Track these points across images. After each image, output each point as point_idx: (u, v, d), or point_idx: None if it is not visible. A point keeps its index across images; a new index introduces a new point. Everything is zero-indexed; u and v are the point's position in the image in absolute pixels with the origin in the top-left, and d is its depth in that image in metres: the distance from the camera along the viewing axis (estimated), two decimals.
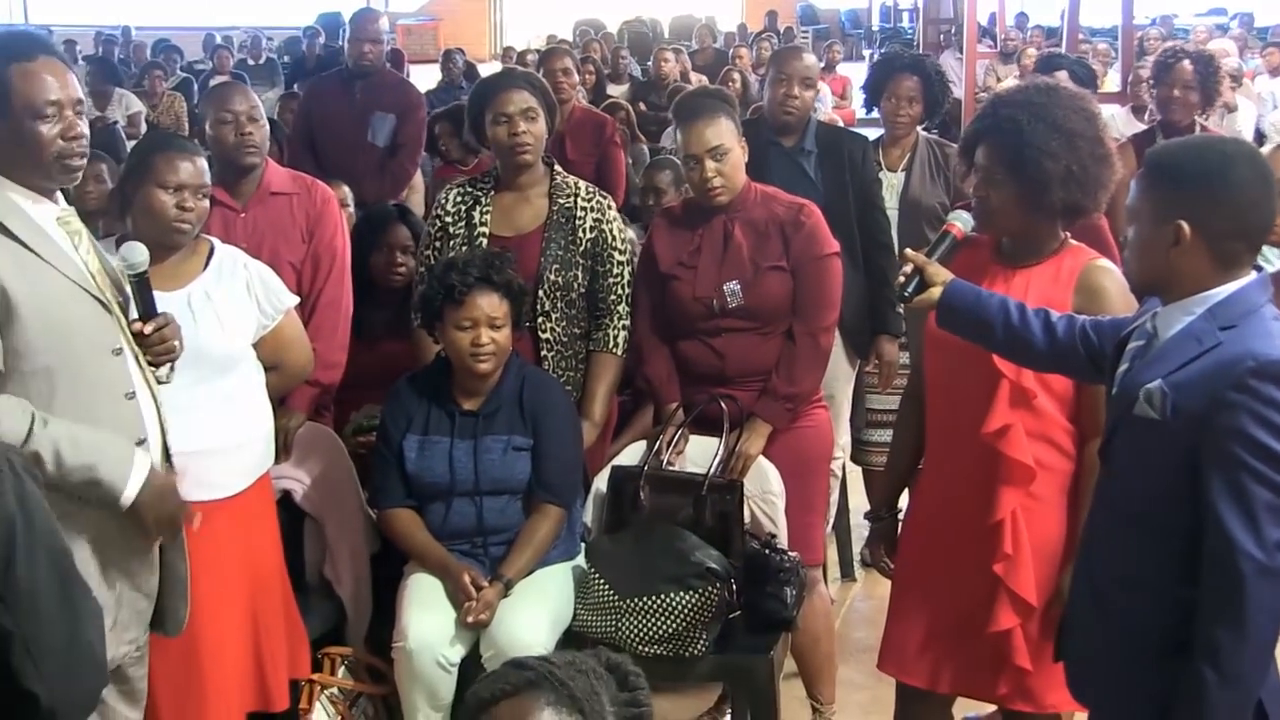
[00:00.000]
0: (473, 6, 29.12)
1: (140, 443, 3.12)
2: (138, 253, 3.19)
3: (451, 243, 4.37)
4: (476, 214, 4.38)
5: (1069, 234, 3.37)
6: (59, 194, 3.21)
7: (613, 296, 4.37)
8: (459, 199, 4.44)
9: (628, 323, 4.37)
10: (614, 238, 4.38)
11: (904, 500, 3.74)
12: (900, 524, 3.67)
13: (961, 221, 3.28)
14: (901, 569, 3.56)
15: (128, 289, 3.21)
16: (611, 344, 4.37)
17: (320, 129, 6.90)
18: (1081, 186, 3.24)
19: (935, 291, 3.12)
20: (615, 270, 4.37)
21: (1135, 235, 2.73)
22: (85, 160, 3.18)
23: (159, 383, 3.28)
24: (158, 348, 3.21)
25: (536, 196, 4.40)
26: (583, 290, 4.36)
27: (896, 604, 3.53)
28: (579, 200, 4.38)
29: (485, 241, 4.33)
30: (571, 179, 4.48)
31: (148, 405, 3.19)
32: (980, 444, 3.26)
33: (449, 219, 4.42)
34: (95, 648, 2.37)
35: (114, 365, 3.11)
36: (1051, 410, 3.28)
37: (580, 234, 4.34)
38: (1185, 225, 2.62)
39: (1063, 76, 5.48)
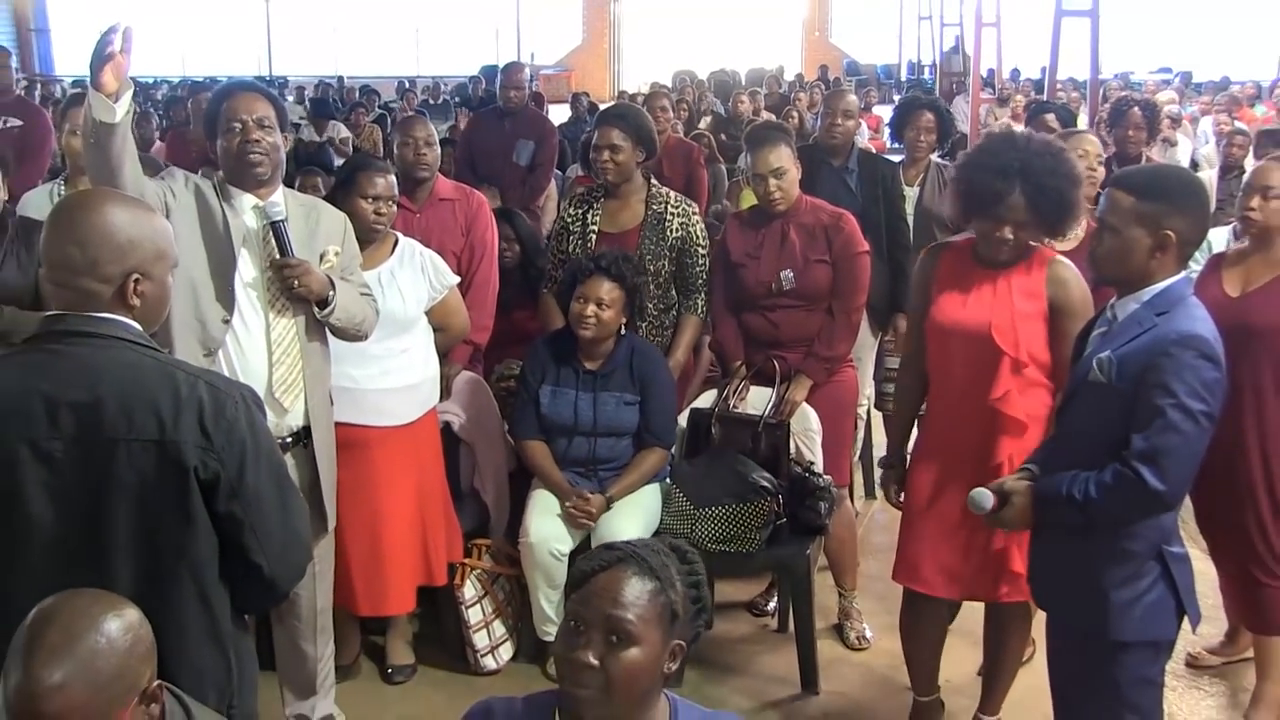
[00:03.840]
0: (596, 60, 29.08)
1: None
2: (274, 206, 3.18)
3: (570, 237, 4.36)
4: (589, 215, 4.35)
5: None
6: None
7: (699, 280, 4.34)
8: (578, 204, 4.42)
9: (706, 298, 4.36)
10: (697, 237, 4.34)
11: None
12: (906, 467, 3.55)
13: (983, 500, 2.80)
14: (912, 502, 3.43)
15: (269, 236, 3.18)
16: (698, 310, 4.35)
17: (479, 151, 6.91)
18: (1075, 218, 3.23)
19: (1021, 500, 2.78)
20: (700, 260, 4.33)
21: (1118, 241, 2.63)
22: (266, 160, 3.16)
23: (325, 319, 3.22)
24: (285, 281, 3.14)
25: (636, 202, 4.36)
26: (669, 276, 4.32)
27: (908, 530, 3.43)
28: (669, 207, 4.34)
29: (595, 237, 4.31)
30: (665, 190, 4.43)
31: (256, 359, 3.14)
32: (982, 404, 3.20)
33: (569, 219, 4.40)
34: (302, 533, 2.39)
35: (217, 328, 3.10)
36: (1036, 375, 3.22)
37: (668, 233, 4.30)
38: (1173, 235, 2.58)
39: (1051, 118, 5.40)
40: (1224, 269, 3.69)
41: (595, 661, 1.76)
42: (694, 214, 4.40)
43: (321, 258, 3.25)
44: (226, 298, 3.12)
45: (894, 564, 3.48)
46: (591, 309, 3.92)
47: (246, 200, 3.19)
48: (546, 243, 4.65)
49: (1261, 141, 7.62)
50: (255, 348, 3.15)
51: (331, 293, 3.19)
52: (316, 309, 3.21)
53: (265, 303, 3.17)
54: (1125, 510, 2.59)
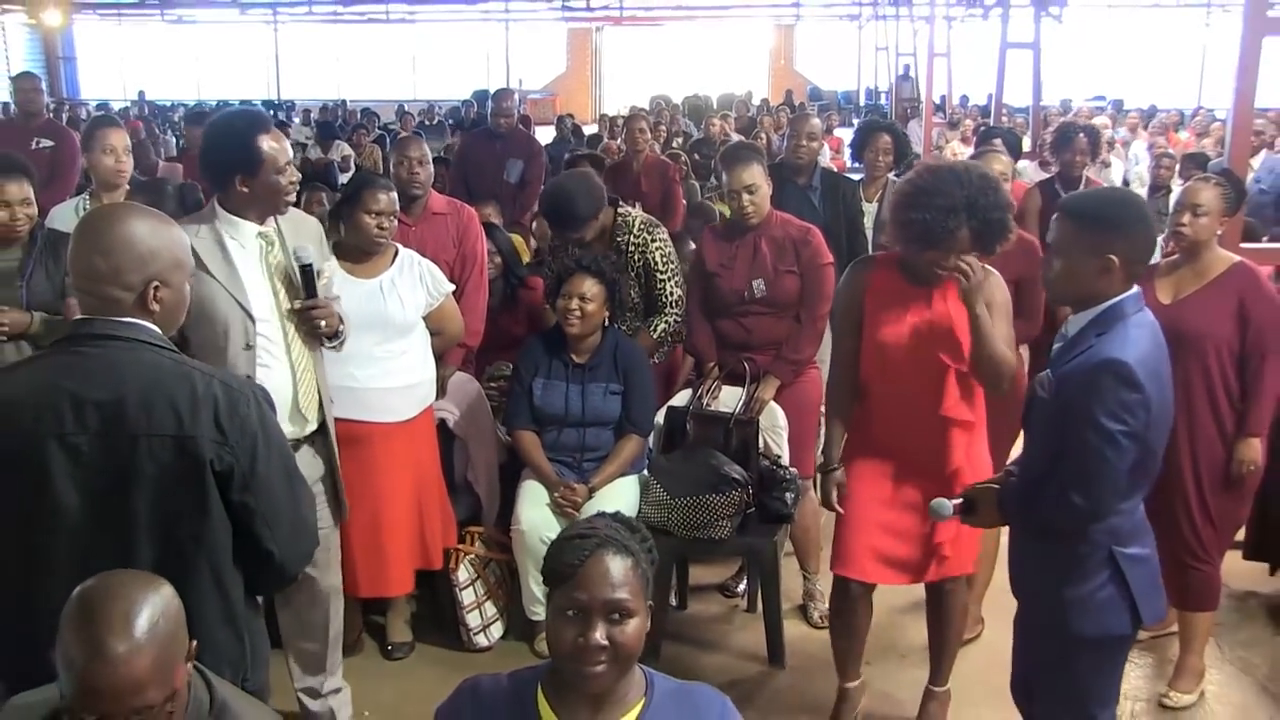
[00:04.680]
0: (579, 85, 29.05)
1: None
2: (304, 250, 3.12)
3: (551, 261, 4.34)
4: (570, 245, 4.28)
5: None
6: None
7: (660, 302, 4.34)
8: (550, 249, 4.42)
9: (670, 320, 4.35)
10: (658, 261, 4.31)
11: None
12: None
13: (943, 509, 2.82)
14: (852, 499, 3.38)
15: (297, 279, 3.11)
16: (653, 329, 4.34)
17: (472, 169, 6.90)
18: (1009, 241, 3.17)
19: (986, 506, 2.80)
20: (659, 284, 4.32)
21: (1065, 265, 2.58)
22: (295, 196, 3.17)
23: (332, 349, 3.21)
24: (308, 323, 3.10)
25: (604, 235, 4.33)
26: (636, 299, 4.33)
27: (847, 525, 3.38)
28: (630, 237, 4.32)
29: None
30: (632, 216, 4.39)
31: (281, 376, 3.06)
32: (925, 410, 3.20)
33: (557, 242, 4.39)
34: (309, 521, 2.38)
35: (242, 356, 3.00)
36: (966, 380, 3.24)
37: (632, 260, 4.30)
38: (1115, 259, 2.53)
39: (998, 142, 5.42)
40: (1156, 279, 3.72)
41: (605, 641, 1.80)
42: (654, 241, 4.34)
43: (319, 275, 3.21)
44: (248, 327, 3.04)
45: (833, 557, 3.45)
46: (576, 304, 3.93)
47: (248, 229, 3.09)
48: (542, 259, 4.61)
49: (1186, 164, 7.72)
50: (279, 370, 3.08)
51: (342, 327, 3.20)
52: (325, 340, 3.19)
53: (282, 328, 3.11)
54: (1059, 524, 2.59)
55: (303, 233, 3.23)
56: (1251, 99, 4.98)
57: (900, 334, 3.24)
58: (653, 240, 4.35)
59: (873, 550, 3.36)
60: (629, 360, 4.04)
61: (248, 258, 3.08)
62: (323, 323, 3.12)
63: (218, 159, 3.05)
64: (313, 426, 3.17)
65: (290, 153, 3.12)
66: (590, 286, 3.94)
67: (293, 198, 3.16)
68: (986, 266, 3.20)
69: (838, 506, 3.42)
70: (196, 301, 2.85)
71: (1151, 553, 2.66)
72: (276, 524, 2.24)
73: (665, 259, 4.35)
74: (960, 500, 2.83)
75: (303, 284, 3.10)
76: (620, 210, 4.41)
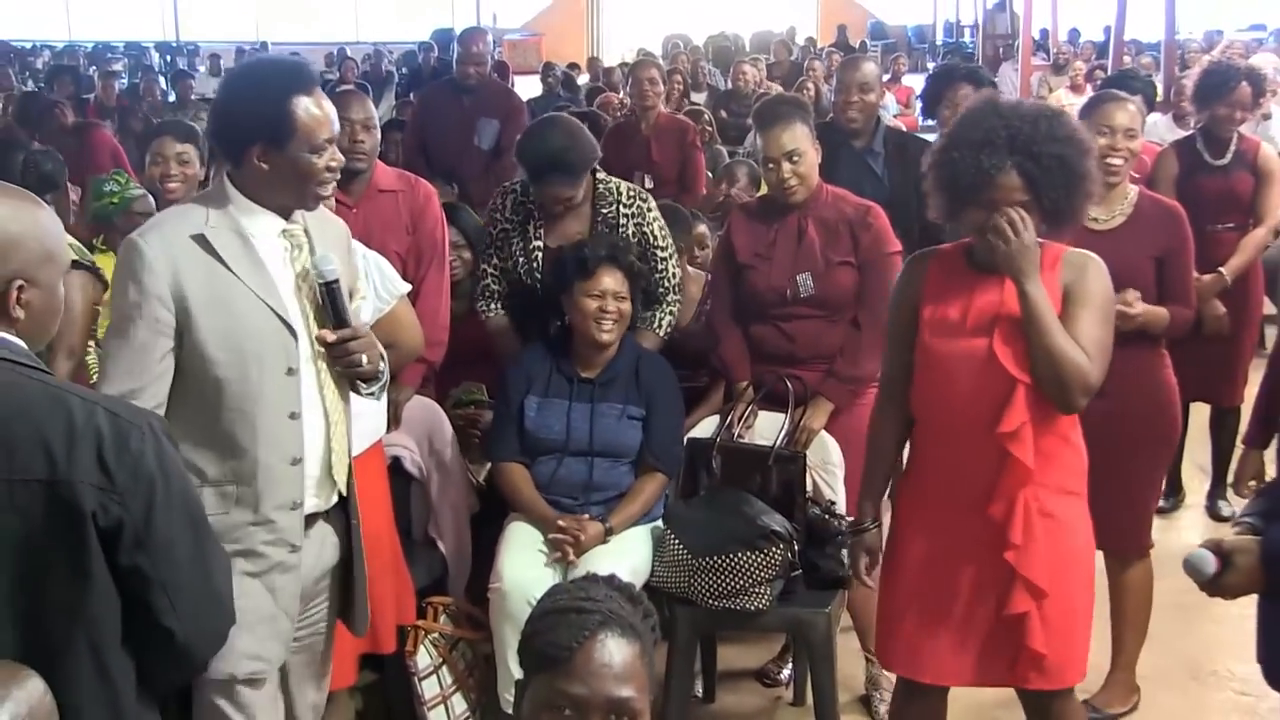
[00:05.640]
0: (572, 22, 29.12)
1: (295, 462, 2.91)
2: (328, 261, 3.02)
3: (512, 248, 4.35)
4: (530, 227, 4.35)
5: None
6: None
7: (661, 288, 4.38)
8: (515, 207, 4.39)
9: (673, 310, 4.40)
10: (656, 236, 4.38)
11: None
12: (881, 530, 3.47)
13: (1204, 564, 2.68)
14: (898, 571, 3.34)
15: (322, 300, 2.99)
16: (656, 324, 4.39)
17: (431, 134, 6.93)
18: (1088, 194, 3.15)
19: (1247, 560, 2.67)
20: (660, 265, 4.37)
21: None
22: (334, 186, 3.04)
23: (369, 396, 3.13)
24: (343, 359, 2.98)
25: (582, 207, 4.38)
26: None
27: (895, 607, 3.34)
28: (620, 208, 4.37)
29: (540, 255, 4.34)
30: (614, 183, 4.44)
31: (314, 424, 2.96)
32: (987, 444, 3.13)
33: (508, 224, 4.40)
34: (223, 592, 2.39)
35: (285, 385, 2.89)
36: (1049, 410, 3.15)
37: (625, 237, 4.33)
38: None
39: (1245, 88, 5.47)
40: None
41: None
42: (650, 209, 4.42)
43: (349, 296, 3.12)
44: (288, 345, 2.92)
45: (880, 648, 3.44)
46: (613, 304, 3.97)
47: (268, 222, 2.95)
48: (482, 250, 4.55)
49: None
50: (313, 416, 2.97)
51: (383, 366, 3.11)
52: (361, 383, 3.08)
53: (315, 361, 2.99)
54: None
55: (326, 237, 3.11)
56: None
57: (954, 335, 3.19)
58: (649, 209, 4.41)
59: (935, 640, 3.28)
60: (654, 377, 4.08)
61: (272, 258, 2.95)
62: (364, 358, 3.01)
63: (234, 121, 2.95)
64: (334, 498, 3.10)
65: (336, 126, 2.96)
66: (621, 281, 4.01)
67: (330, 189, 3.01)
68: (1084, 251, 3.20)
69: (866, 580, 3.42)
70: (220, 310, 2.81)
71: None
72: (179, 594, 2.24)
73: (664, 232, 4.43)
74: (1222, 555, 2.67)
75: (330, 307, 2.97)
76: (599, 176, 4.45)
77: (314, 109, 2.89)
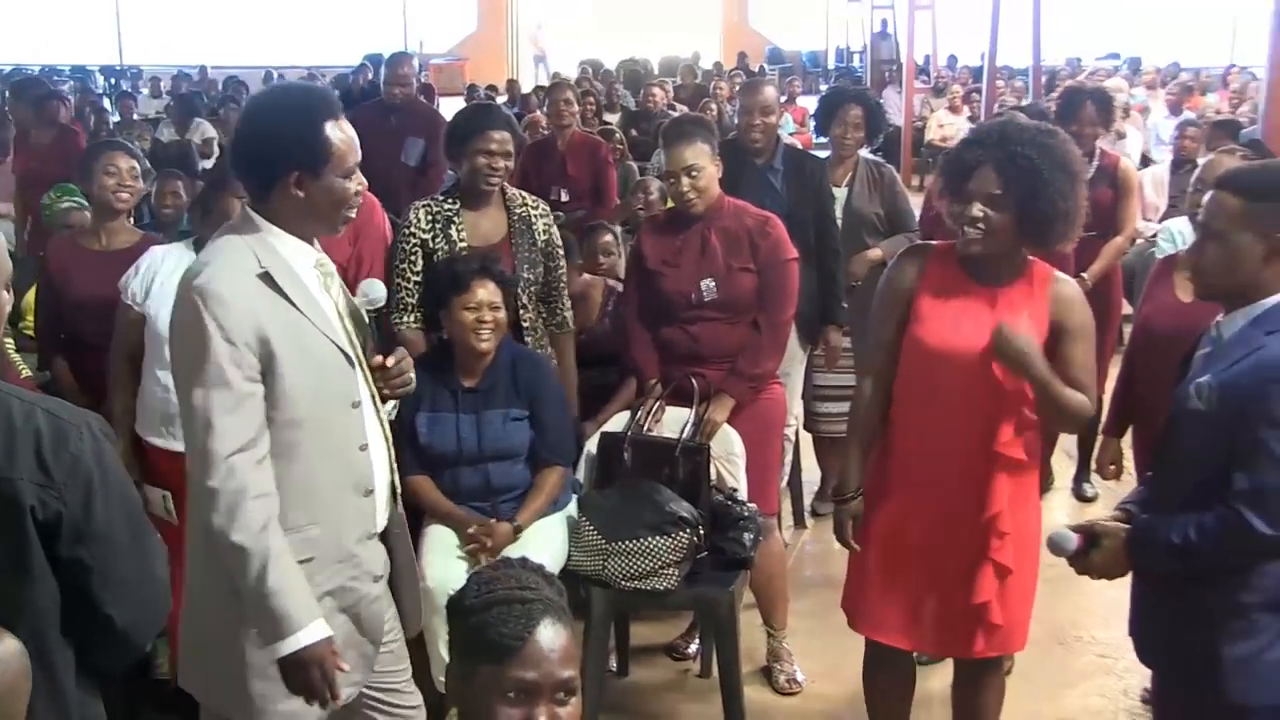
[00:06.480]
0: (493, 48, 29.00)
1: (368, 493, 2.79)
2: (378, 288, 2.90)
3: (434, 256, 4.27)
4: (453, 231, 4.28)
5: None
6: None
7: (559, 285, 4.41)
8: (429, 218, 4.31)
9: (569, 305, 4.47)
10: (557, 240, 4.42)
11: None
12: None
13: (1066, 541, 2.80)
14: (873, 541, 3.36)
15: (367, 322, 2.89)
16: (567, 326, 4.45)
17: (361, 151, 6.85)
18: (1071, 225, 3.13)
19: (1113, 544, 2.75)
20: (560, 264, 4.41)
21: (1224, 249, 2.57)
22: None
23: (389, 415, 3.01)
24: (395, 380, 2.87)
25: (495, 210, 4.35)
26: (542, 283, 4.36)
27: (866, 574, 3.37)
28: (529, 209, 4.37)
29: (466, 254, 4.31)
30: (516, 191, 4.45)
31: (379, 454, 2.84)
32: (969, 438, 3.15)
33: (425, 235, 4.29)
34: (160, 578, 2.34)
35: (352, 418, 2.75)
36: (1028, 410, 3.19)
37: (537, 236, 4.33)
38: None
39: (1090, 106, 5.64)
40: (1177, 271, 3.77)
41: None
42: (549, 213, 4.46)
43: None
44: (348, 377, 2.78)
45: (850, 611, 3.46)
46: (489, 314, 3.93)
47: (304, 252, 2.77)
48: (393, 265, 4.39)
49: (1214, 133, 7.85)
50: (377, 440, 2.84)
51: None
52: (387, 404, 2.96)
53: (369, 385, 2.85)
54: (1229, 558, 2.53)
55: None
56: None
57: (949, 339, 3.18)
58: (549, 213, 4.45)
59: (901, 607, 3.31)
60: (531, 376, 4.04)
61: (315, 289, 2.77)
62: (412, 379, 2.90)
63: (268, 150, 2.71)
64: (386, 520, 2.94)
65: (359, 152, 2.79)
66: (494, 291, 3.96)
67: (355, 214, 2.85)
68: (1063, 276, 3.21)
69: (852, 543, 3.42)
70: (296, 350, 2.63)
71: None
72: (118, 584, 2.20)
73: (559, 238, 4.46)
74: (1084, 534, 2.75)
75: (377, 332, 2.90)
76: (505, 185, 4.40)
77: (343, 133, 2.75)
